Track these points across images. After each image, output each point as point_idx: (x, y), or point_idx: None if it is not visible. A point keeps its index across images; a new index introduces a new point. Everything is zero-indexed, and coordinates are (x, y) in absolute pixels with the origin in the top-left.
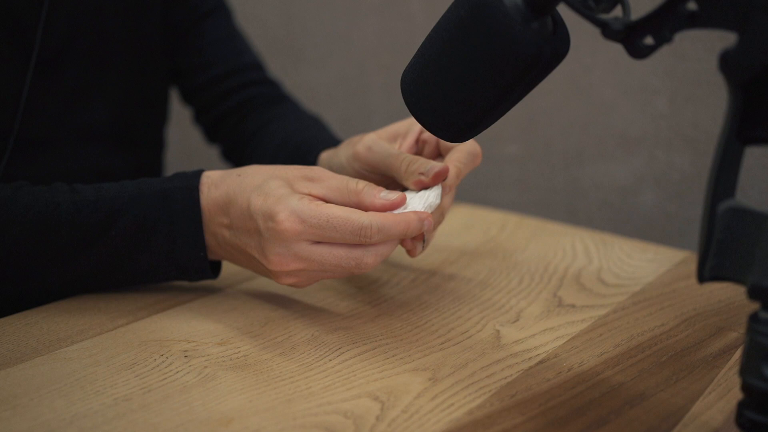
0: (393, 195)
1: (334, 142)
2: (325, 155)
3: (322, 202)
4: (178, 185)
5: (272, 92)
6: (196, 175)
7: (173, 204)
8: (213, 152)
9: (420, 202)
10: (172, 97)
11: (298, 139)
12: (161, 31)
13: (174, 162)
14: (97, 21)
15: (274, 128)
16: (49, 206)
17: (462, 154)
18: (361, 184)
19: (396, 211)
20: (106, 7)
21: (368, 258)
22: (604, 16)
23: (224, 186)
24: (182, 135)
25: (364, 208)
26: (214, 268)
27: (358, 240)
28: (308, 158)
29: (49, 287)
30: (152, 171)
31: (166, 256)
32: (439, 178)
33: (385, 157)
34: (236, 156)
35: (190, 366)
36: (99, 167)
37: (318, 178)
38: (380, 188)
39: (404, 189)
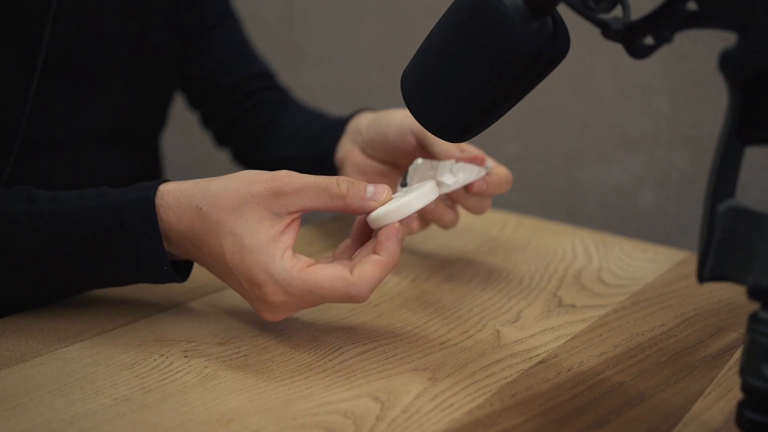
0: (380, 193)
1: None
2: (369, 114)
3: (305, 261)
4: (134, 197)
5: (281, 95)
6: (153, 187)
7: (129, 217)
8: (215, 157)
9: (418, 197)
10: (174, 101)
11: (318, 124)
12: (168, 36)
13: (174, 166)
14: (102, 25)
15: (287, 121)
16: (3, 217)
17: (503, 172)
18: (344, 186)
19: (391, 204)
20: (112, 12)
21: (361, 298)
22: (604, 16)
23: (186, 219)
24: (185, 139)
25: (353, 212)
26: (183, 271)
27: (352, 302)
28: (334, 130)
29: (6, 297)
30: (153, 174)
31: (128, 269)
32: (474, 161)
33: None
34: (249, 155)
35: (190, 366)
36: (101, 170)
37: (291, 191)
38: (363, 183)
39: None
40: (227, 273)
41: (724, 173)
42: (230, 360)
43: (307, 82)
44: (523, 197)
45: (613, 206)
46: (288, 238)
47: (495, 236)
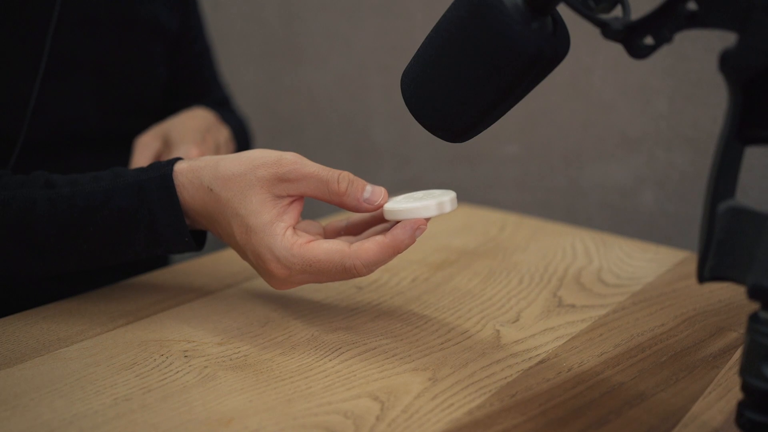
0: (378, 195)
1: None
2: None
3: (306, 237)
4: (153, 175)
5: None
6: (169, 165)
7: (149, 195)
8: None
9: (432, 205)
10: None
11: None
12: (163, 50)
13: None
14: (102, 35)
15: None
16: (25, 203)
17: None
18: (344, 184)
19: (410, 204)
20: (112, 23)
21: (363, 275)
22: (604, 16)
23: (199, 198)
24: None
25: (347, 209)
26: (199, 239)
27: (348, 276)
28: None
29: (33, 278)
30: None
31: (149, 243)
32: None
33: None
34: None
35: (190, 366)
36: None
37: (294, 178)
38: (363, 184)
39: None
40: (238, 248)
41: (724, 173)
42: (230, 360)
43: (307, 82)
44: (523, 197)
45: (613, 206)
46: (289, 218)
47: (495, 236)
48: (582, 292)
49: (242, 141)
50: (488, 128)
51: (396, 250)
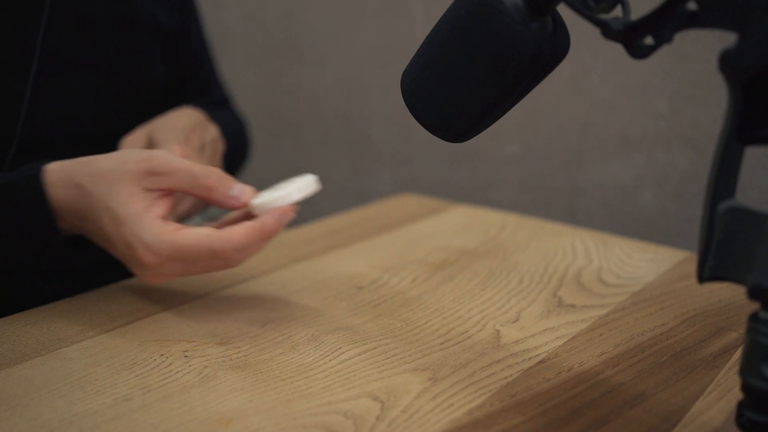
0: (245, 192)
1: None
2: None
3: (174, 226)
4: (23, 176)
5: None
6: (39, 166)
7: (17, 195)
8: None
9: (298, 189)
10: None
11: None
12: (159, 48)
13: None
14: (95, 32)
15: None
16: None
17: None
18: (212, 180)
19: (273, 194)
20: (105, 21)
21: (233, 262)
22: (604, 16)
23: (70, 196)
24: None
25: (215, 204)
26: (75, 244)
27: (220, 263)
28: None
29: None
30: None
31: (22, 246)
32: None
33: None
34: None
35: (190, 366)
36: None
37: (163, 172)
38: (232, 181)
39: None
40: (109, 242)
41: (724, 173)
42: (230, 360)
43: (307, 82)
44: (523, 197)
45: (613, 206)
46: (158, 209)
47: (495, 236)
48: (582, 292)
49: (235, 140)
50: (488, 128)
51: (263, 234)
